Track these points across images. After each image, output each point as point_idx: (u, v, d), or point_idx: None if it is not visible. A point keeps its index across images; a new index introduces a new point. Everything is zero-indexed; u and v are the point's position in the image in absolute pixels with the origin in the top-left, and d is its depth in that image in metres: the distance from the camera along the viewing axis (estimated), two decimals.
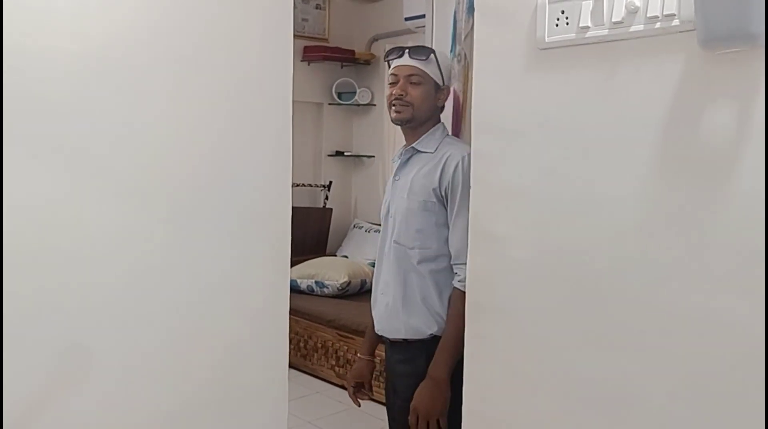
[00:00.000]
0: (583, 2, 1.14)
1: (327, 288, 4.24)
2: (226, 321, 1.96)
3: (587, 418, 1.20)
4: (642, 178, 1.11)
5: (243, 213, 1.98)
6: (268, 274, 2.05)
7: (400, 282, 1.82)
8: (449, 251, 1.78)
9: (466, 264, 1.58)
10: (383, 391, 2.12)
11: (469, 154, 1.67)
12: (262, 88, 1.98)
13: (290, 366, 2.16)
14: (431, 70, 1.81)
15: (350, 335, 3.79)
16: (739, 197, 1.00)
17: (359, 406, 2.11)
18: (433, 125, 1.86)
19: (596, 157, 1.17)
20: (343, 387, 3.63)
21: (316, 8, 4.99)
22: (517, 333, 1.30)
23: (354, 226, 5.08)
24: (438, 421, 1.70)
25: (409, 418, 1.74)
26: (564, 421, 1.24)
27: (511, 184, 1.30)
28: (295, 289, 4.15)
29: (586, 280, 1.19)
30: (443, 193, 1.76)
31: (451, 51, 2.19)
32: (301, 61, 4.81)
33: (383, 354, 2.04)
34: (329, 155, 5.20)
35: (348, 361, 3.79)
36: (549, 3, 1.19)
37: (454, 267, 1.76)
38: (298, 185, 4.84)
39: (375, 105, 5.08)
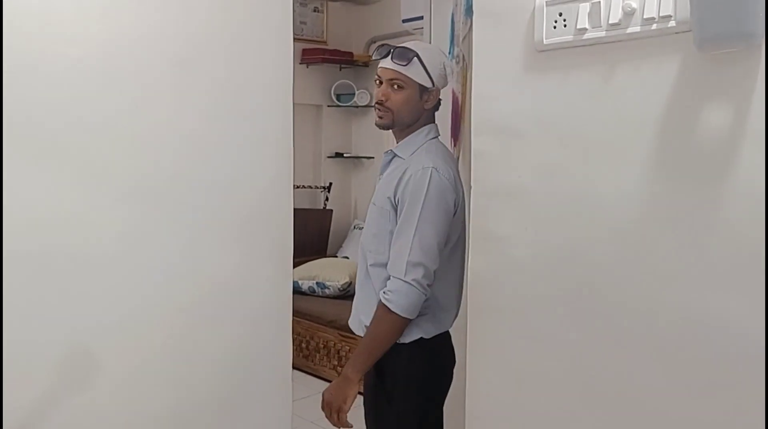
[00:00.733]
0: (581, 4, 1.15)
1: (328, 289, 4.26)
2: (230, 323, 1.97)
3: (588, 418, 1.21)
4: (640, 177, 1.12)
5: (245, 215, 1.99)
6: (271, 276, 2.06)
7: (360, 282, 1.83)
8: None
9: (396, 278, 1.63)
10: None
11: (434, 168, 1.66)
12: (264, 91, 1.99)
13: (292, 367, 2.16)
14: (414, 74, 1.72)
15: (352, 335, 3.79)
16: (737, 196, 1.01)
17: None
18: (420, 127, 1.79)
19: (595, 157, 1.18)
20: None
21: (314, 11, 5.00)
22: (517, 332, 1.31)
23: (354, 227, 5.08)
24: (338, 413, 1.72)
25: (322, 408, 1.77)
26: (564, 420, 1.25)
27: (511, 184, 1.30)
28: (296, 291, 4.11)
29: (586, 279, 1.20)
30: (396, 203, 1.72)
31: (449, 52, 2.20)
32: (300, 63, 4.81)
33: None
34: (329, 157, 5.21)
35: None
36: (547, 5, 1.20)
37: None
38: (298, 187, 4.84)
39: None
